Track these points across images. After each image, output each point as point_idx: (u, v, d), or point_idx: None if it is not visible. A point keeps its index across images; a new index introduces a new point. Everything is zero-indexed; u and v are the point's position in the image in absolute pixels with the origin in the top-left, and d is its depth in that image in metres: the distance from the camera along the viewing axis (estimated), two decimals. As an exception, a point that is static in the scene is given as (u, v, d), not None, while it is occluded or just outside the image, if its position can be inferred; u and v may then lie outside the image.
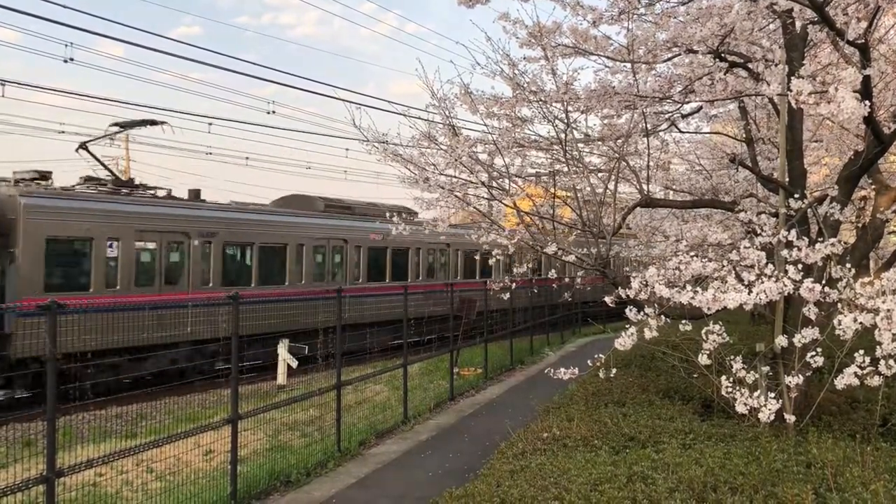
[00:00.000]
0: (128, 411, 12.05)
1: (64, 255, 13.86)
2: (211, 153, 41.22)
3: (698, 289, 5.59)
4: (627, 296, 6.17)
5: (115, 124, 17.26)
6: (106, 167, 17.00)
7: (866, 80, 5.76)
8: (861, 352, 5.20)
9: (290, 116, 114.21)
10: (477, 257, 21.25)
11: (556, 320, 23.55)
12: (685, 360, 8.21)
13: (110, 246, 14.17)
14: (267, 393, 12.50)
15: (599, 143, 9.81)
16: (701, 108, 9.71)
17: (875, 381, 5.22)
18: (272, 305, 16.06)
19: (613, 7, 7.66)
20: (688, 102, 8.80)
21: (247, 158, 54.56)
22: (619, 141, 8.79)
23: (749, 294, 5.36)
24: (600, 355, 6.63)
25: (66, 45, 22.78)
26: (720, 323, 6.05)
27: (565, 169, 9.11)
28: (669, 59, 8.02)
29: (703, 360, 6.02)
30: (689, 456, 5.74)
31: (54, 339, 5.51)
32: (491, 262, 21.27)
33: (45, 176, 14.18)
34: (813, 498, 4.64)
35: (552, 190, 9.64)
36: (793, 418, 6.37)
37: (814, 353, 5.64)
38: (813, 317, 5.84)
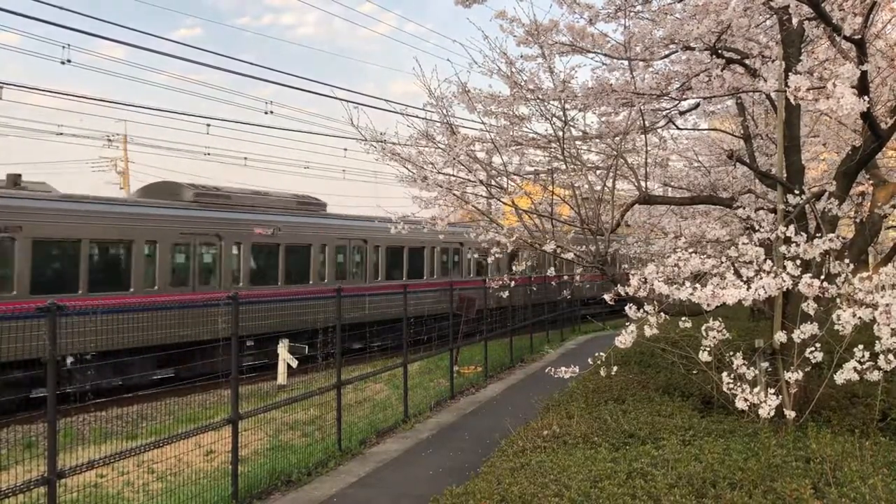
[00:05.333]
0: (128, 412, 12.07)
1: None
2: (209, 154, 41.14)
3: (697, 285, 5.60)
4: (627, 293, 6.18)
5: None
6: None
7: (863, 76, 5.77)
8: (860, 347, 5.21)
9: (289, 117, 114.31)
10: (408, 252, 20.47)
11: (555, 318, 23.57)
12: (684, 357, 8.22)
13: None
14: (267, 393, 12.52)
15: (597, 140, 9.82)
16: (698, 104, 9.73)
17: (874, 375, 5.23)
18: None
19: (610, 4, 7.68)
20: (685, 99, 8.81)
21: (245, 159, 54.48)
22: (617, 138, 8.80)
23: (748, 290, 5.38)
24: (600, 353, 6.63)
25: (64, 47, 22.83)
26: (719, 319, 6.06)
27: (563, 167, 9.13)
28: (666, 56, 8.03)
29: (703, 356, 6.03)
30: (689, 452, 5.75)
31: (54, 339, 5.51)
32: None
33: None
34: (812, 493, 4.64)
35: (550, 188, 9.65)
36: (792, 414, 6.38)
37: (813, 348, 5.65)
38: (812, 312, 5.85)
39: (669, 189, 11.99)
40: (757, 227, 7.96)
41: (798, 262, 5.65)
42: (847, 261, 6.20)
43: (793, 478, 4.94)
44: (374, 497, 7.74)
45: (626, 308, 6.37)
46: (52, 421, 5.53)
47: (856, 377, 5.26)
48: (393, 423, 11.07)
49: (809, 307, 5.83)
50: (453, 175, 9.27)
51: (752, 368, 6.29)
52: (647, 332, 5.83)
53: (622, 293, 6.34)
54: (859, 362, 5.19)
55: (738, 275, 5.70)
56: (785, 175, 7.63)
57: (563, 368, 7.13)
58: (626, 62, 7.73)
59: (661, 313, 5.97)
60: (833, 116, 8.03)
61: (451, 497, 5.22)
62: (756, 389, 6.01)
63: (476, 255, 23.16)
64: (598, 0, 7.59)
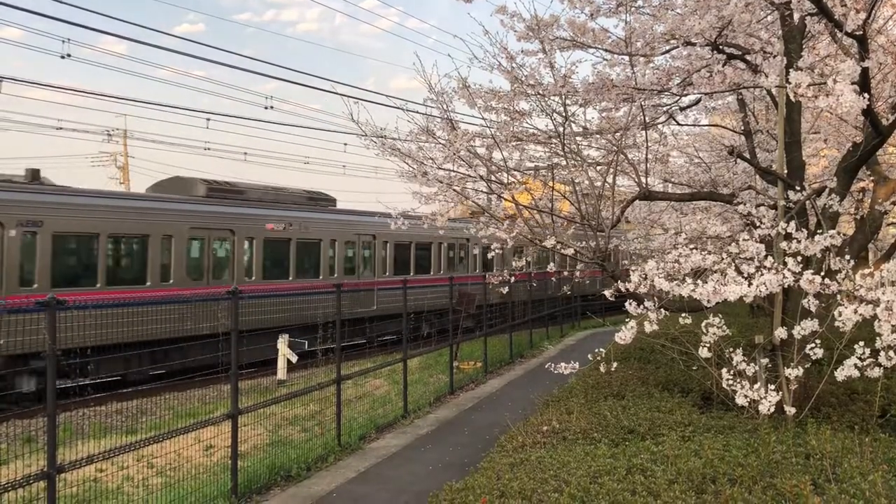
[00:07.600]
0: (128, 407, 12.08)
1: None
2: (209, 148, 41.14)
3: (699, 281, 5.59)
4: (627, 289, 6.17)
5: None
6: None
7: (865, 72, 5.76)
8: (861, 343, 5.20)
9: (289, 112, 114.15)
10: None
11: (555, 314, 23.57)
12: (684, 353, 8.21)
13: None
14: (267, 388, 12.52)
15: (598, 136, 9.80)
16: (699, 100, 9.71)
17: (875, 372, 5.23)
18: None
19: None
20: (686, 95, 8.79)
21: (245, 154, 54.49)
22: (618, 134, 8.77)
23: (749, 286, 5.37)
24: (600, 349, 6.62)
25: (63, 42, 22.79)
26: (719, 315, 6.05)
27: (564, 162, 9.10)
28: (667, 51, 8.01)
29: (703, 352, 6.02)
30: (689, 448, 5.74)
31: (54, 334, 5.50)
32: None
33: None
34: (811, 489, 4.64)
35: (551, 184, 9.62)
36: (792, 410, 6.38)
37: (813, 344, 5.65)
38: (812, 308, 5.84)
39: (670, 185, 11.96)
40: (757, 224, 7.94)
41: (799, 258, 5.65)
42: (847, 257, 6.18)
43: (792, 474, 4.93)
44: (374, 492, 7.75)
45: (626, 304, 6.36)
46: (51, 415, 5.53)
47: (856, 374, 5.25)
48: (392, 418, 11.07)
49: (810, 303, 5.82)
50: (453, 170, 9.25)
51: (752, 365, 6.29)
52: (647, 328, 5.82)
53: (622, 289, 6.33)
54: (860, 359, 5.18)
55: (738, 271, 5.69)
56: (785, 171, 7.61)
57: (563, 364, 7.12)
58: (626, 58, 7.70)
59: (661, 309, 5.96)
60: (833, 113, 8.02)
61: (450, 492, 5.21)
62: (756, 386, 6.01)
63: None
64: (599, -5, 7.58)
